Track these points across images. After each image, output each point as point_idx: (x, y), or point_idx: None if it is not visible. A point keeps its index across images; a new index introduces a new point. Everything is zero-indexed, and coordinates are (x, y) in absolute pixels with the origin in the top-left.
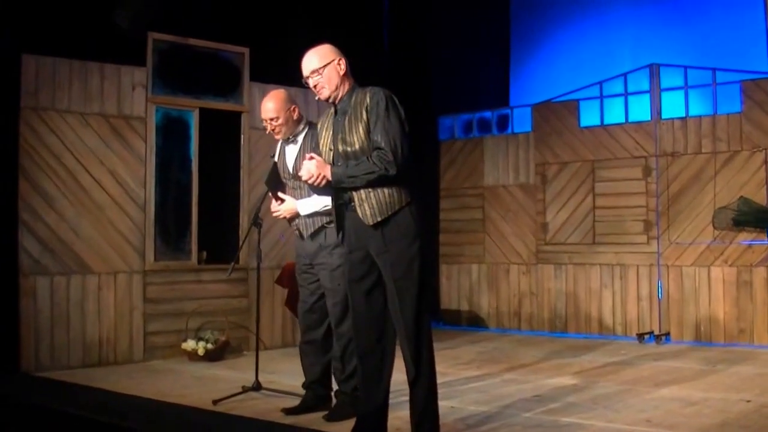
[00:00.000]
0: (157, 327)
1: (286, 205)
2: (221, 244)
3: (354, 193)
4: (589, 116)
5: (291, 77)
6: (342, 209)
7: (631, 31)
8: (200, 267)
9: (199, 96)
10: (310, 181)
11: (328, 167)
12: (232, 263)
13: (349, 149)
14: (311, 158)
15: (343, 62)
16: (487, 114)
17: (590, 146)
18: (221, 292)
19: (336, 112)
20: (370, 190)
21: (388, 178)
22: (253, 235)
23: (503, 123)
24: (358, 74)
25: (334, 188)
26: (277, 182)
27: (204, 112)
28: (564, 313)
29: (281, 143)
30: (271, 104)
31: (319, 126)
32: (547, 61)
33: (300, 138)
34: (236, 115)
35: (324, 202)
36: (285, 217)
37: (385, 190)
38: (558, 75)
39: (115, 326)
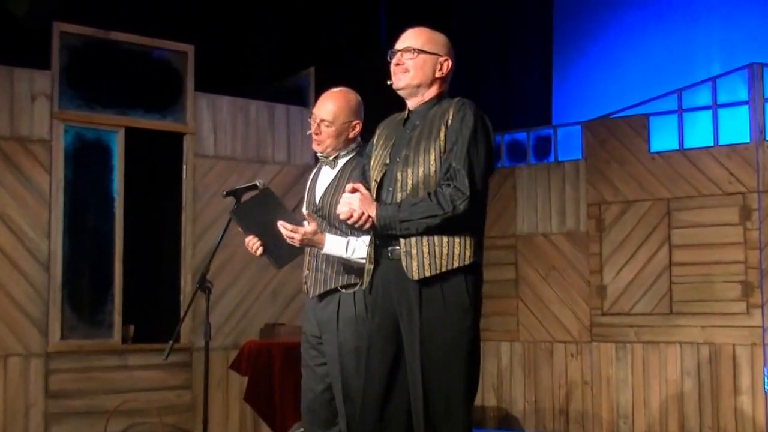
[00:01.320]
0: (63, 431)
1: (308, 229)
2: (155, 315)
3: (403, 237)
4: (662, 137)
5: (256, 88)
6: (379, 253)
7: (717, 22)
8: (126, 347)
9: (126, 111)
10: (350, 222)
11: (374, 205)
12: (171, 342)
13: (410, 174)
14: (354, 190)
15: (449, 64)
16: (521, 135)
17: (665, 179)
18: (155, 383)
19: (407, 118)
20: (426, 235)
21: (453, 223)
22: (200, 303)
23: (543, 148)
24: (354, 78)
25: (380, 231)
26: (266, 213)
27: (132, 134)
28: (630, 411)
29: (318, 165)
30: (331, 105)
31: (377, 134)
32: (602, 64)
33: (341, 162)
34: (176, 138)
35: (359, 251)
36: (302, 243)
37: (445, 238)
38: (618, 83)
39: (4, 430)
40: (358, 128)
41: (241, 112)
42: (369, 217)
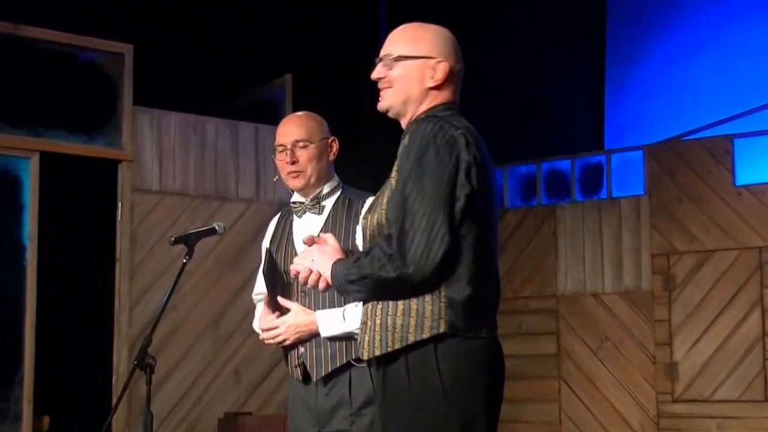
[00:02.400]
0: None
1: (292, 319)
2: (78, 402)
3: (364, 307)
4: (751, 165)
5: (215, 101)
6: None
7: None
8: None
9: (41, 131)
10: (301, 281)
11: (332, 262)
12: None
13: (369, 222)
14: (312, 240)
15: (445, 67)
16: (564, 164)
17: (755, 220)
18: None
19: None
20: (379, 302)
21: (392, 288)
22: (139, 386)
23: (593, 180)
24: (343, 88)
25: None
26: (275, 277)
27: (50, 161)
28: None
29: (283, 216)
30: (299, 121)
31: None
32: (668, 74)
33: (327, 204)
34: (109, 166)
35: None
36: (280, 343)
37: (400, 305)
38: (689, 97)
39: None
40: (335, 147)
41: (195, 133)
42: (320, 276)
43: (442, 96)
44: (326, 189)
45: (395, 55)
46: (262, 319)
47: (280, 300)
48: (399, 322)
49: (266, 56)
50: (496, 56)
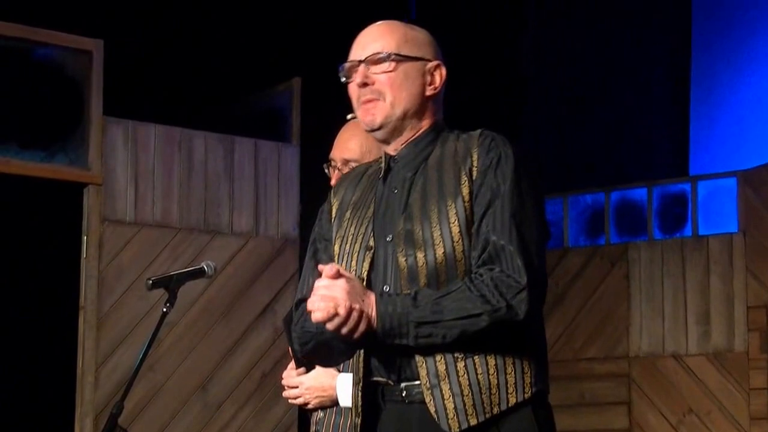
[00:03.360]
0: None
1: (312, 380)
2: None
3: (423, 358)
4: None
5: (206, 110)
6: (377, 393)
7: None
8: None
9: None
10: (331, 326)
11: (372, 297)
12: None
13: (421, 258)
14: (337, 274)
15: (442, 72)
16: (639, 193)
17: None
18: None
19: (387, 170)
20: (463, 354)
21: (503, 330)
22: None
23: (675, 213)
24: None
25: (381, 343)
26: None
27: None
28: None
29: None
30: (356, 137)
31: (333, 203)
32: (764, 91)
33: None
34: (72, 191)
35: None
36: (305, 405)
37: (492, 358)
38: None
39: None
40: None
41: (180, 150)
42: (363, 315)
43: (439, 110)
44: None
45: (392, 53)
46: (286, 372)
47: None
48: (494, 380)
49: (269, 56)
50: (555, 62)
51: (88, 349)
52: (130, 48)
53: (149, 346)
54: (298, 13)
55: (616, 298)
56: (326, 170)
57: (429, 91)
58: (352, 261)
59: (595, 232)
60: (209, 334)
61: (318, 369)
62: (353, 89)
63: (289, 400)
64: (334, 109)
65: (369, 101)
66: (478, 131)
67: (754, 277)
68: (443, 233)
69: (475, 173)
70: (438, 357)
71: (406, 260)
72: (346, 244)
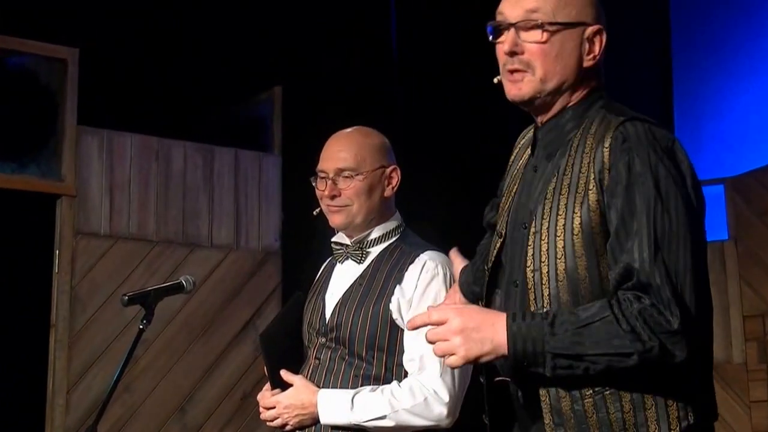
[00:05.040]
0: None
1: (290, 398)
2: None
3: (547, 390)
4: None
5: (185, 119)
6: (503, 393)
7: None
8: None
9: None
10: (451, 363)
11: (502, 321)
12: None
13: (548, 263)
14: (453, 309)
15: (602, 39)
16: None
17: None
18: None
19: (534, 143)
20: (592, 390)
21: (656, 369)
22: None
23: None
24: (350, 103)
25: (513, 371)
26: (284, 340)
27: None
28: None
29: (329, 263)
30: (349, 145)
31: (511, 157)
32: (751, 93)
33: (374, 251)
34: (45, 202)
35: (372, 409)
36: (283, 426)
37: (633, 395)
38: None
39: None
40: (396, 178)
41: (157, 161)
42: (490, 347)
43: (596, 79)
44: (377, 233)
45: (546, 23)
46: (261, 393)
47: (284, 374)
48: (630, 419)
49: (249, 64)
50: None
51: (59, 369)
52: (105, 56)
53: (125, 366)
54: (278, 21)
55: None
56: (313, 183)
57: (587, 62)
58: (493, 243)
59: None
60: (188, 352)
61: (297, 383)
62: (500, 52)
63: (267, 423)
64: (317, 118)
65: (516, 71)
66: (618, 119)
67: (748, 285)
68: (567, 238)
69: (605, 178)
70: (562, 393)
71: (533, 261)
72: (501, 220)
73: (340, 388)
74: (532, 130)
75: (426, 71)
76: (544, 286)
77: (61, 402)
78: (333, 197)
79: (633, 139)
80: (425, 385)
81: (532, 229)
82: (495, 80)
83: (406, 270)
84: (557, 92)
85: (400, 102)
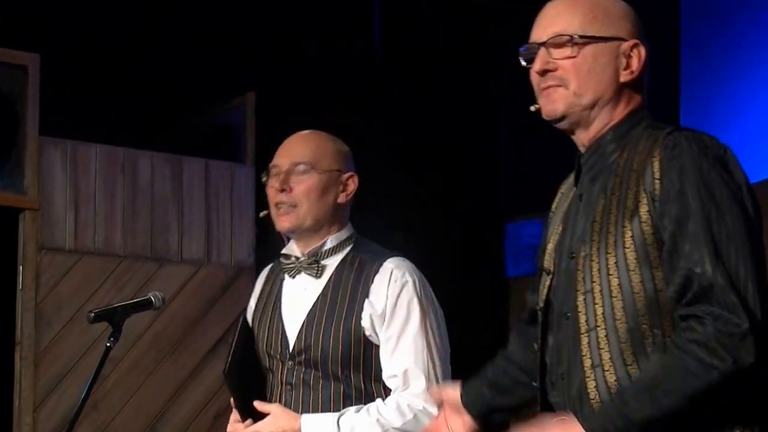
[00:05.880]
0: None
1: (269, 426)
2: None
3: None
4: None
5: (153, 128)
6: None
7: None
8: None
9: None
10: None
11: (574, 426)
12: None
13: (597, 294)
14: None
15: (641, 53)
16: None
17: None
18: None
19: (578, 171)
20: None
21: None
22: None
23: None
24: (329, 109)
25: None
26: (249, 362)
27: None
28: None
29: (273, 273)
30: (308, 142)
31: (554, 202)
32: (747, 106)
33: (331, 264)
34: (6, 217)
35: (365, 429)
36: None
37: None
38: None
39: None
40: (353, 186)
41: (123, 173)
42: None
43: (637, 97)
44: (330, 243)
45: (575, 35)
46: (230, 426)
47: (258, 404)
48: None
49: (220, 69)
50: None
51: (25, 388)
52: (68, 62)
53: (92, 384)
54: (251, 24)
55: None
56: (263, 179)
57: (624, 77)
58: (542, 283)
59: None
60: (158, 370)
61: (275, 411)
62: (533, 76)
63: None
64: (291, 125)
65: (549, 87)
66: (665, 130)
67: None
68: (619, 260)
69: (657, 188)
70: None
71: (583, 284)
72: (548, 257)
73: (321, 410)
74: (573, 173)
75: (408, 77)
76: (596, 306)
77: (28, 421)
78: (283, 191)
79: (684, 147)
80: (412, 402)
81: (582, 254)
82: (532, 108)
83: (372, 282)
84: (593, 107)
85: (382, 106)
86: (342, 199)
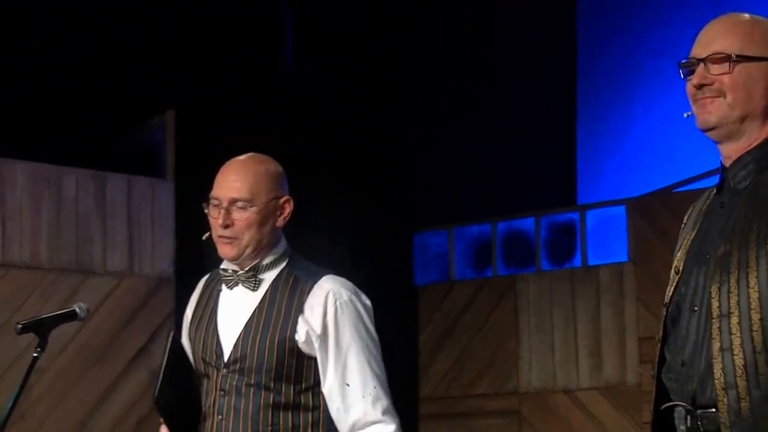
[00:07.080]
0: None
1: None
2: None
3: (725, 391)
4: None
5: (76, 146)
6: (672, 417)
7: None
8: None
9: None
10: None
11: None
12: None
13: (743, 298)
14: None
15: None
16: (526, 224)
17: None
18: None
19: (722, 182)
20: None
21: None
22: None
23: (563, 243)
24: (246, 124)
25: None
26: (180, 374)
27: None
28: None
29: (210, 283)
30: (244, 175)
31: (685, 219)
32: (651, 116)
33: (267, 278)
34: None
35: None
36: None
37: None
38: (682, 141)
39: None
40: (289, 209)
41: (49, 188)
42: None
43: None
44: (268, 259)
45: (731, 53)
46: None
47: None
48: None
49: (141, 88)
50: (440, 93)
51: None
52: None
53: (19, 394)
54: (170, 45)
55: (505, 332)
56: (206, 209)
57: None
58: (670, 282)
59: (482, 264)
60: (82, 378)
61: None
62: (689, 88)
63: None
64: (211, 142)
65: (705, 98)
66: None
67: (645, 308)
68: (759, 258)
69: None
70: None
71: (719, 300)
72: (678, 263)
73: (251, 417)
74: (703, 198)
75: (320, 93)
76: (731, 294)
77: None
78: (226, 226)
79: None
80: (368, 427)
81: (720, 251)
82: (685, 115)
83: (306, 300)
84: (743, 121)
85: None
86: (280, 222)
